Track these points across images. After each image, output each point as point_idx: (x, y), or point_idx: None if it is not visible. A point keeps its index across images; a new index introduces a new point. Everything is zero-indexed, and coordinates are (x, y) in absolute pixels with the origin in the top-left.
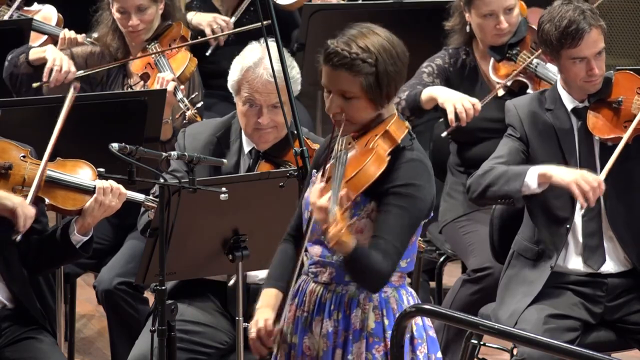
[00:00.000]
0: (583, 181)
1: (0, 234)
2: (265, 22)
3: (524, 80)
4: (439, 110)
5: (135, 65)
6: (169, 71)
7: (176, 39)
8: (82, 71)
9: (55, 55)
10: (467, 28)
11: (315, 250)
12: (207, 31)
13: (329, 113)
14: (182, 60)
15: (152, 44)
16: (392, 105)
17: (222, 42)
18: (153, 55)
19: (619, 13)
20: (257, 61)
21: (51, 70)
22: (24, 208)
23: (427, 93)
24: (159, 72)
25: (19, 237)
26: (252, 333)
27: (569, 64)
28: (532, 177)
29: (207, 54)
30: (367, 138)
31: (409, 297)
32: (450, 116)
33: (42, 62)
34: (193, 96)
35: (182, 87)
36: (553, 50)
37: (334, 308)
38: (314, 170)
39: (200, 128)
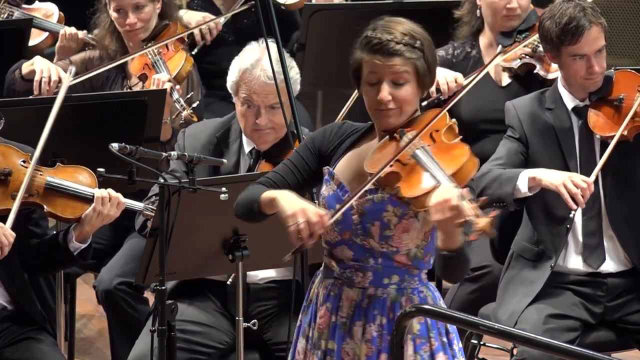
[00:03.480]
0: (571, 183)
1: None
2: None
3: (533, 62)
4: None
5: (134, 67)
6: (165, 72)
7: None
8: (80, 77)
9: (42, 66)
10: (478, 12)
11: (346, 253)
12: (196, 31)
13: (375, 105)
14: (178, 61)
15: (149, 44)
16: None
17: (209, 41)
18: (150, 56)
19: (619, 13)
20: (254, 62)
21: (41, 82)
22: (1, 236)
23: None
24: (155, 71)
25: None
26: (301, 224)
27: (569, 61)
28: (523, 181)
29: (193, 53)
30: (426, 133)
31: (436, 293)
32: (432, 88)
33: (34, 75)
34: (189, 96)
35: (178, 87)
36: (553, 48)
37: (377, 313)
38: (327, 168)
39: (200, 128)
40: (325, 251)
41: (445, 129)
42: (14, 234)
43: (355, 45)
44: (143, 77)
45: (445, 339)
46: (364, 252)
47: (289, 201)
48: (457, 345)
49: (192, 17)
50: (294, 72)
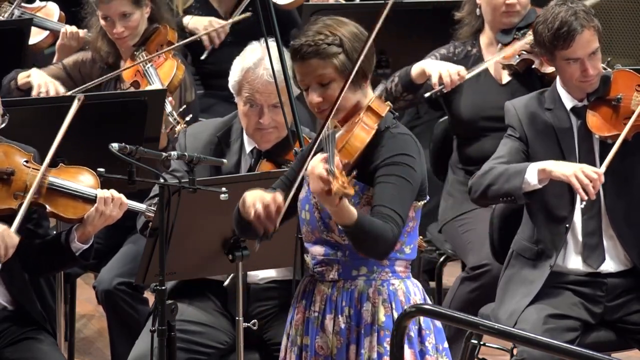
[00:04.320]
0: (582, 174)
1: None
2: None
3: (531, 58)
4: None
5: (126, 73)
6: (157, 82)
7: (163, 44)
8: (73, 91)
9: (40, 81)
10: (478, 12)
11: (318, 249)
12: (204, 35)
13: (312, 108)
14: (169, 70)
15: (140, 50)
16: (370, 92)
17: (217, 45)
18: (141, 64)
19: (619, 13)
20: (257, 62)
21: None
22: (6, 238)
23: (417, 66)
24: (147, 81)
25: None
26: (258, 208)
27: (564, 65)
28: (532, 173)
29: (202, 57)
30: (351, 120)
31: (415, 289)
32: (434, 80)
33: (30, 86)
34: (181, 109)
35: (170, 99)
36: (547, 52)
37: (345, 304)
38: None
39: (201, 128)
40: (305, 251)
41: (363, 112)
42: (17, 238)
43: None
44: (135, 84)
45: (413, 334)
46: (332, 247)
47: (250, 194)
48: (433, 342)
49: (198, 23)
50: None
